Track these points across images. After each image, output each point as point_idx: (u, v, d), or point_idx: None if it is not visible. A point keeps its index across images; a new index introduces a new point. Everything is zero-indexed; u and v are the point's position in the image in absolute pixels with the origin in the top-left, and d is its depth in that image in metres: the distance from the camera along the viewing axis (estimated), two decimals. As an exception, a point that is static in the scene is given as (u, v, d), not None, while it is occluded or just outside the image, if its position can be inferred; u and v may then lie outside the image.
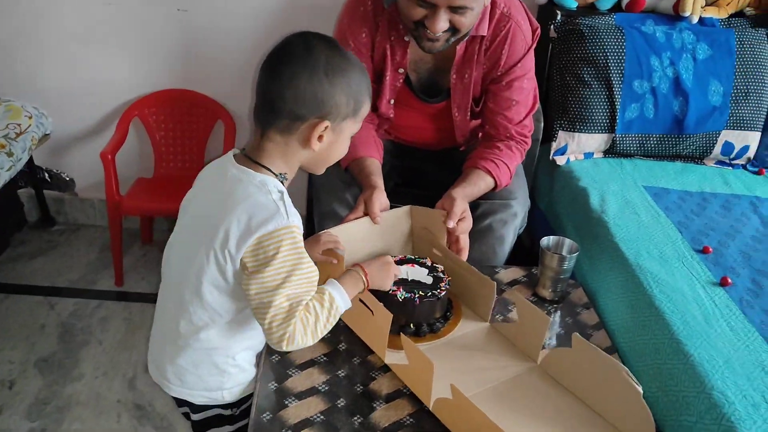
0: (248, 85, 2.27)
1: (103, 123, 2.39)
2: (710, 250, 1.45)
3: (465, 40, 1.48)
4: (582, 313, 1.37)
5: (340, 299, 0.99)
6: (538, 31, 1.57)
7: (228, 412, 1.11)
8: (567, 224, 1.73)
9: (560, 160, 1.91)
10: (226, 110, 2.32)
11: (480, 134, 1.64)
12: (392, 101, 1.60)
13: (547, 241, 1.39)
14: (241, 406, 1.11)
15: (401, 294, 1.20)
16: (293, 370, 1.12)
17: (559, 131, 1.91)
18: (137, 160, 2.41)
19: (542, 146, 1.94)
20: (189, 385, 1.05)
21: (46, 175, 2.51)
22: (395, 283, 1.21)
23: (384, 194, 1.37)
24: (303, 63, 0.92)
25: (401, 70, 1.56)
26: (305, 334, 0.94)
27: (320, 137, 0.96)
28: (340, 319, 1.02)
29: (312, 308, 0.95)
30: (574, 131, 1.90)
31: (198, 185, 1.05)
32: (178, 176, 2.35)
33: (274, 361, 1.13)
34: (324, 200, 1.56)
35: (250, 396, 1.08)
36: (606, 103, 1.89)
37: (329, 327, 0.98)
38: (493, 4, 1.48)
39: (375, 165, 1.47)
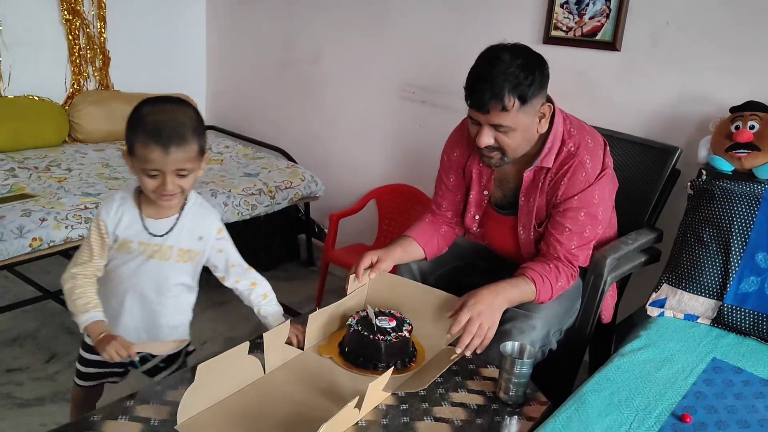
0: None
1: (353, 196, 3.18)
2: (689, 418, 1.34)
3: (532, 168, 1.73)
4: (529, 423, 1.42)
5: None
6: (607, 170, 1.70)
7: None
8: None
9: (652, 312, 1.85)
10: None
11: (538, 249, 1.80)
12: (477, 216, 1.91)
13: (510, 346, 1.51)
14: None
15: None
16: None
17: (664, 284, 1.87)
18: (365, 230, 3.11)
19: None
20: None
21: (316, 228, 3.41)
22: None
23: (389, 262, 1.74)
24: None
25: (486, 192, 1.86)
26: None
27: (130, 165, 1.40)
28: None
29: None
30: (678, 287, 1.84)
31: None
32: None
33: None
34: None
35: None
36: (719, 269, 1.78)
37: None
38: (563, 142, 1.71)
39: (407, 241, 1.83)
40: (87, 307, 1.39)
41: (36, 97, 3.09)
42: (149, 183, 1.38)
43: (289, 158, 3.35)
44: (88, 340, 1.55)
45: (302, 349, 1.55)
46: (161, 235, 1.48)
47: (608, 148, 1.76)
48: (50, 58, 3.20)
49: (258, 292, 1.60)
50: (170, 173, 1.37)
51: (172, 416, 1.26)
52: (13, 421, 2.03)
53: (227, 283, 1.60)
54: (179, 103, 1.42)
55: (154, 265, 1.49)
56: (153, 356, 1.61)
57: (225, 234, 1.58)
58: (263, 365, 1.44)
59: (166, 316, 1.57)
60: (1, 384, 2.19)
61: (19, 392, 2.16)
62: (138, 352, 1.47)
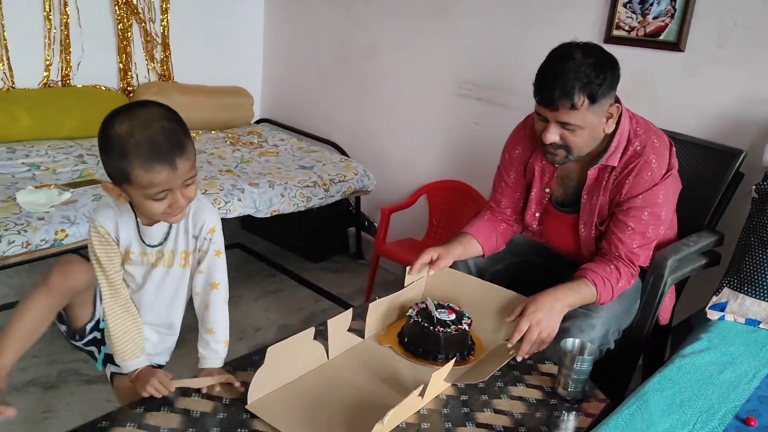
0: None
1: (402, 191, 3.20)
2: (754, 422, 1.33)
3: (597, 166, 1.73)
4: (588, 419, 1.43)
5: None
6: (673, 171, 1.70)
7: None
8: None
9: (713, 315, 1.83)
10: (485, 204, 2.86)
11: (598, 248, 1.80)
12: (537, 214, 1.91)
13: (571, 342, 1.51)
14: None
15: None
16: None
17: (725, 287, 1.85)
18: (415, 225, 3.13)
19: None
20: None
21: (366, 222, 3.46)
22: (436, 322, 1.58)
23: (449, 259, 1.78)
24: None
25: (547, 190, 1.87)
26: None
27: (119, 195, 1.26)
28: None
29: None
30: (740, 291, 1.81)
31: None
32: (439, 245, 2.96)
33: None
34: None
35: None
36: (784, 274, 1.76)
37: None
38: (629, 141, 1.70)
39: (466, 239, 1.86)
40: (124, 357, 1.35)
41: (102, 87, 3.21)
42: (157, 207, 1.24)
43: (342, 152, 3.40)
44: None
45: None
46: (159, 244, 1.38)
47: (674, 149, 1.74)
48: (113, 49, 3.30)
49: (208, 318, 1.42)
50: (179, 188, 1.23)
51: (242, 396, 1.32)
52: (81, 396, 2.13)
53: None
54: (150, 105, 1.26)
55: (160, 272, 1.41)
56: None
57: (217, 237, 1.41)
58: (327, 351, 1.49)
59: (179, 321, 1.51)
60: (70, 360, 2.29)
61: (85, 369, 2.25)
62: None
